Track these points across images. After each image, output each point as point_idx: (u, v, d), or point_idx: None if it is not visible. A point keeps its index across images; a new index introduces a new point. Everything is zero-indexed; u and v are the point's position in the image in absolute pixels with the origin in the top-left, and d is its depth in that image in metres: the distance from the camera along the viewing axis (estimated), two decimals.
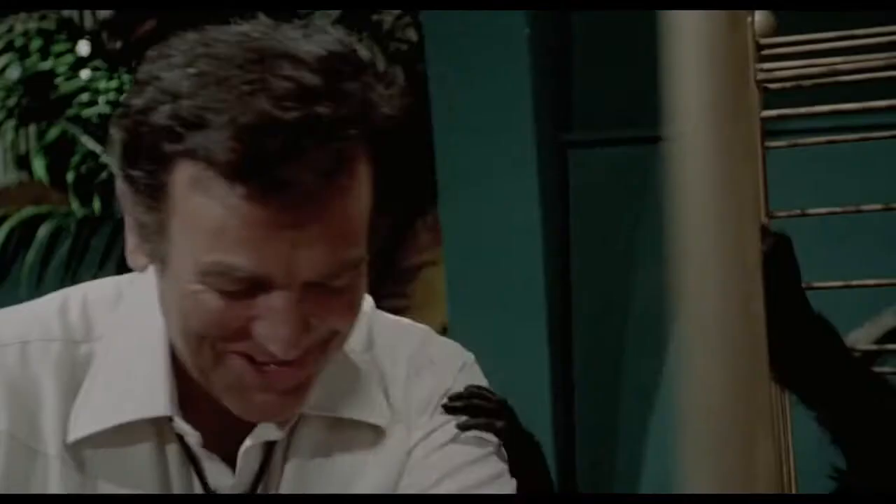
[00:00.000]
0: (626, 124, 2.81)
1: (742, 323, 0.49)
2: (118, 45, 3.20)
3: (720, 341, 0.49)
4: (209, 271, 0.92)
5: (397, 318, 1.16)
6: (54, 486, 1.01)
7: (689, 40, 0.52)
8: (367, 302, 1.08)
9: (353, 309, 0.98)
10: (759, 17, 0.77)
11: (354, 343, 1.06)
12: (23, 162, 3.22)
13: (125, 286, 1.08)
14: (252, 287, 0.92)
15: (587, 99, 3.01)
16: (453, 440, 1.09)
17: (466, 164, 2.70)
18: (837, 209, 0.85)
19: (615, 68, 2.91)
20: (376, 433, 1.07)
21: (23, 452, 1.01)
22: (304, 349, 0.95)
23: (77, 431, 1.00)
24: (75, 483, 1.01)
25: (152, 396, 1.01)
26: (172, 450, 1.03)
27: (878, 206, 0.84)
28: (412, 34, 3.28)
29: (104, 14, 3.34)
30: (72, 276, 3.06)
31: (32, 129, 3.20)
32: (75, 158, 3.11)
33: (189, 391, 1.01)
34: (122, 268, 3.13)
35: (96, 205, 3.12)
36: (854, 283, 0.87)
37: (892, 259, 2.58)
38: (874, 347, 0.89)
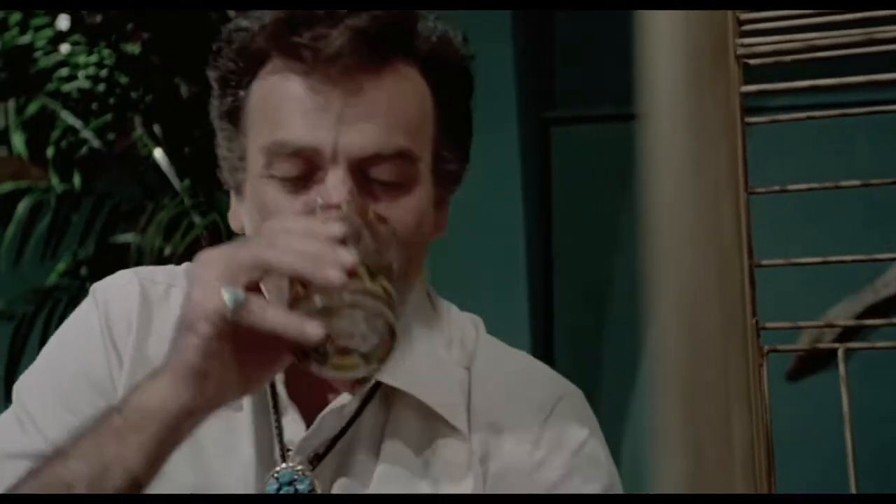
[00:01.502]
0: (609, 101, 2.81)
1: (718, 297, 0.50)
2: (98, 19, 3.17)
3: (695, 315, 0.49)
4: (270, 154, 1.02)
5: (506, 345, 1.20)
6: None
7: (669, 15, 0.52)
8: (479, 325, 1.19)
9: (411, 213, 1.05)
10: None
11: (457, 354, 1.14)
12: (1, 137, 3.20)
13: None
14: (308, 172, 1.02)
15: (569, 76, 3.01)
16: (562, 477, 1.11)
17: None
18: (817, 185, 0.85)
19: (598, 44, 2.91)
20: (456, 438, 1.10)
21: (114, 357, 1.10)
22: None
23: None
24: None
25: None
26: (260, 396, 1.08)
27: (857, 183, 0.84)
28: None
29: None
30: (52, 251, 3.05)
31: (11, 103, 3.18)
32: (55, 133, 3.09)
33: None
34: (102, 243, 3.15)
35: (76, 180, 3.10)
36: (833, 258, 0.88)
37: (871, 235, 2.59)
38: (853, 323, 0.89)
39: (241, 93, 1.08)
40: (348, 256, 0.89)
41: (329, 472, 1.09)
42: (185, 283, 1.10)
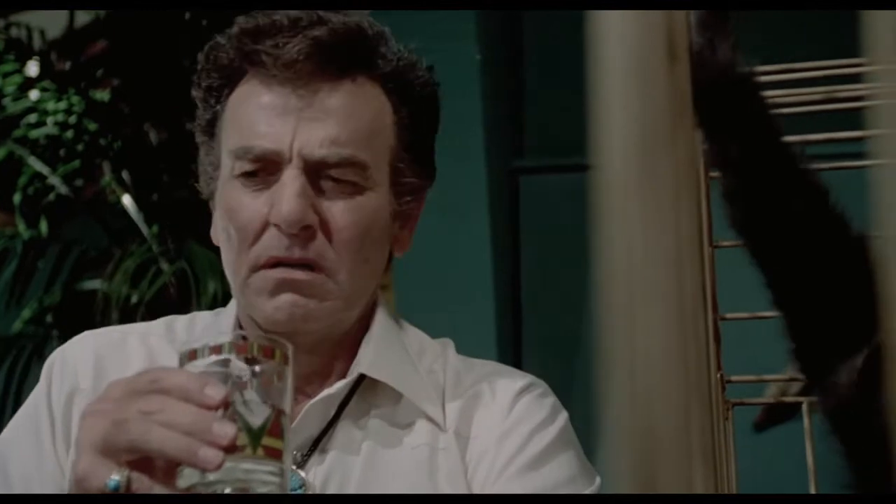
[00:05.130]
0: (578, 151, 2.82)
1: (682, 352, 0.49)
2: (67, 65, 3.17)
3: (658, 370, 0.49)
4: (236, 157, 1.09)
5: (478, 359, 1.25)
6: None
7: (625, 73, 0.53)
8: (448, 343, 1.25)
9: (358, 212, 1.10)
10: None
11: (429, 360, 1.19)
12: None
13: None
14: (268, 170, 1.09)
15: (539, 125, 3.03)
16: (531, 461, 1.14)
17: None
18: None
19: (567, 95, 2.93)
20: (431, 427, 1.14)
21: None
22: (312, 243, 1.08)
23: None
24: None
25: None
26: None
27: None
28: None
29: (54, 34, 3.32)
30: (17, 298, 3.03)
31: None
32: (22, 180, 3.09)
33: None
34: (68, 290, 3.11)
35: (43, 227, 3.09)
36: None
37: None
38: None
39: (218, 106, 1.15)
40: (226, 430, 0.85)
41: (314, 465, 1.11)
42: (142, 328, 1.21)
